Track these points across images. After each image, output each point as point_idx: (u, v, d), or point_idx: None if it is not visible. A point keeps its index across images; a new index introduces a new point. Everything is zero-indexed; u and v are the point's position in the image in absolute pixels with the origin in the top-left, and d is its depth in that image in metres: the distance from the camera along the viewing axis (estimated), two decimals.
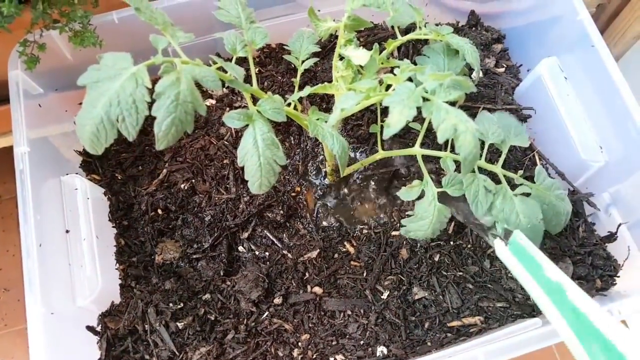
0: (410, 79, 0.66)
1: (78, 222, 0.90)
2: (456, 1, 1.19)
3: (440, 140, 0.57)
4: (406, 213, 0.86)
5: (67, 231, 0.88)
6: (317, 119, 0.75)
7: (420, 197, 0.83)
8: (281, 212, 0.99)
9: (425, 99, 0.60)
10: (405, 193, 0.83)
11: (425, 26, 0.85)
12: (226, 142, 1.03)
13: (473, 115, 1.00)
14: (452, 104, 0.61)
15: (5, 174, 1.52)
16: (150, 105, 0.61)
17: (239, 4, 0.78)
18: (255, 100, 0.72)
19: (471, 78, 0.86)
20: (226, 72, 0.68)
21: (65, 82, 1.02)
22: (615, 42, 1.74)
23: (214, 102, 1.08)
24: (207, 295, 0.92)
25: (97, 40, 0.85)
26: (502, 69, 1.11)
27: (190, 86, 0.62)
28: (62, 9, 0.84)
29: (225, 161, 1.02)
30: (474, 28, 1.16)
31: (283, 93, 1.07)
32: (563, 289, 0.63)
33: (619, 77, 0.88)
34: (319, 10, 1.05)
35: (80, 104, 1.09)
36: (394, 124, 0.57)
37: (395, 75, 0.69)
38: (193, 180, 1.01)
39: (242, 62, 0.81)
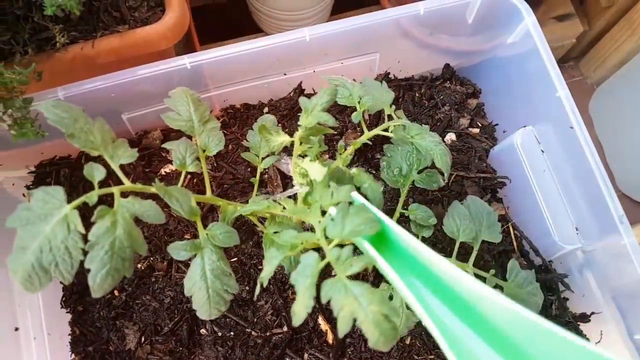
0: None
1: (28, 318, 0.84)
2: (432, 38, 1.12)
3: (341, 333, 0.49)
4: None
5: (17, 329, 0.83)
6: (275, 233, 0.70)
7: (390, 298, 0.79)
8: (247, 288, 0.95)
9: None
10: None
11: (396, 112, 0.79)
12: None
13: (444, 195, 0.97)
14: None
15: None
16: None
17: (190, 103, 0.71)
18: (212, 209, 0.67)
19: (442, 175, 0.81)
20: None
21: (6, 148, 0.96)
22: (595, 68, 1.70)
23: (173, 168, 1.02)
24: None
25: (39, 130, 0.78)
26: (477, 129, 1.06)
27: (128, 228, 0.57)
28: None
29: (186, 236, 0.97)
30: (447, 82, 1.10)
31: (248, 162, 1.01)
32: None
33: (596, 164, 0.84)
34: (284, 74, 1.00)
35: (31, 172, 1.05)
36: (299, 312, 0.48)
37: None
38: (151, 259, 0.95)
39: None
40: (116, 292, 0.94)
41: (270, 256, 0.55)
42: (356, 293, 0.48)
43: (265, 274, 0.55)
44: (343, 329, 0.47)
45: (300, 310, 0.47)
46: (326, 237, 0.54)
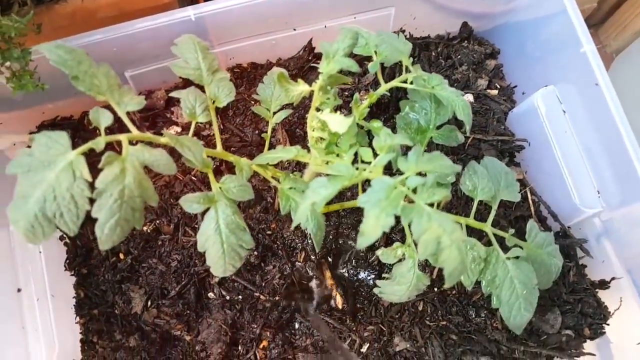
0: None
1: (30, 279, 0.82)
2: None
3: (422, 256, 0.49)
4: (382, 275, 0.79)
5: (19, 290, 0.81)
6: (290, 188, 0.67)
7: (400, 259, 0.76)
8: (255, 252, 0.92)
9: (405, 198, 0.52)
10: (385, 255, 0.76)
11: (412, 67, 0.75)
12: (194, 178, 0.94)
13: (459, 158, 0.93)
14: None
15: None
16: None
17: (198, 50, 0.67)
18: (218, 172, 0.63)
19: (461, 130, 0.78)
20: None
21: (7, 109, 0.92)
22: (615, 35, 1.64)
23: (179, 129, 0.98)
24: (173, 352, 0.86)
25: (38, 83, 0.74)
26: (496, 91, 1.02)
27: (137, 177, 0.54)
28: None
29: None
30: (465, 42, 1.06)
31: (258, 121, 0.97)
32: None
33: (623, 122, 0.80)
34: (293, 29, 0.95)
35: (32, 132, 1.01)
36: (368, 232, 0.48)
37: (372, 148, 0.60)
38: (157, 222, 0.92)
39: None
40: (122, 255, 0.91)
41: (317, 185, 0.52)
42: (439, 220, 0.48)
43: (305, 208, 0.52)
44: (424, 252, 0.47)
45: (372, 230, 0.45)
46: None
